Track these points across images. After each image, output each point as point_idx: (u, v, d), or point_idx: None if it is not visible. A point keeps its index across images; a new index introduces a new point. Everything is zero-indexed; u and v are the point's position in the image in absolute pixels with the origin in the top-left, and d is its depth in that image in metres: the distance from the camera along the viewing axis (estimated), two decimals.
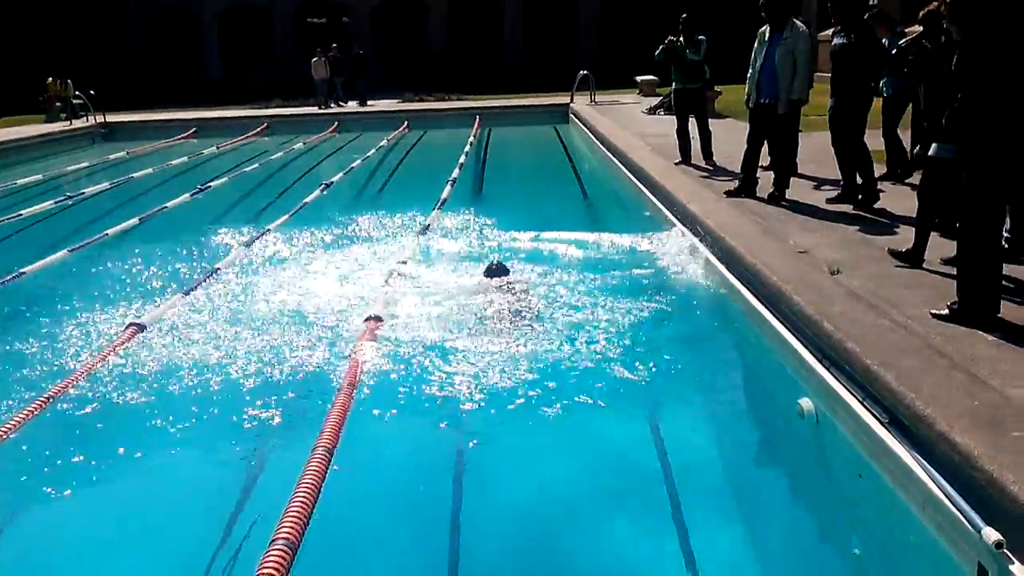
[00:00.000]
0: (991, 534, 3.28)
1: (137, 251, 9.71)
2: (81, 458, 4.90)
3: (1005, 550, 3.23)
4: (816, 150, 10.96)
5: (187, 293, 7.22)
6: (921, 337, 4.79)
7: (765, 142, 9.27)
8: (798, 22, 9.08)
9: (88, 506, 4.57)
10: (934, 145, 5.96)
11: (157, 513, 4.46)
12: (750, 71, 9.20)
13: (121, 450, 5.03)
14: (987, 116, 4.84)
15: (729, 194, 9.24)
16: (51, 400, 5.24)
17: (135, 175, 15.77)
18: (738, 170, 9.60)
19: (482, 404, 5.39)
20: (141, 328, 6.28)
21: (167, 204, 12.25)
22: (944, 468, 3.73)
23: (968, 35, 4.99)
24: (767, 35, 8.98)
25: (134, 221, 11.07)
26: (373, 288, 7.48)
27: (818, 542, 4.16)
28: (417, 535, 4.20)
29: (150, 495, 4.67)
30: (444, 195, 11.70)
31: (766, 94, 8.97)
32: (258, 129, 23.04)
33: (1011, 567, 3.20)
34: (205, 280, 7.75)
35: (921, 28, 6.97)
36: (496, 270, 7.63)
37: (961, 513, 3.51)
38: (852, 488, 4.41)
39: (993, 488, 3.36)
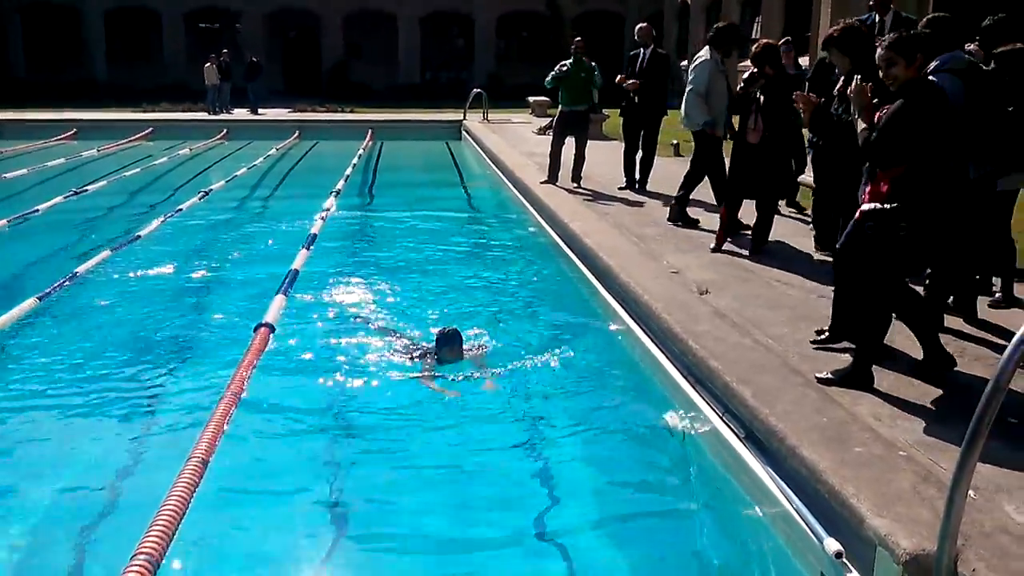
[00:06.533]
0: (832, 544, 3.42)
1: None
2: None
3: (844, 560, 3.38)
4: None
5: (42, 298, 6.90)
6: (779, 355, 4.97)
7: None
8: None
9: None
10: None
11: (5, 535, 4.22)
12: (703, 97, 8.87)
13: None
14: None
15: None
16: None
17: (7, 175, 14.98)
18: (611, 191, 9.65)
19: (367, 411, 5.41)
20: None
21: (38, 207, 11.69)
22: (793, 481, 3.88)
23: (860, 64, 5.20)
24: (720, 62, 8.90)
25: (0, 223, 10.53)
26: (256, 296, 7.32)
27: (677, 553, 4.22)
28: (288, 552, 4.08)
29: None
30: (328, 206, 11.56)
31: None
32: (143, 133, 22.29)
33: None
34: (63, 284, 7.43)
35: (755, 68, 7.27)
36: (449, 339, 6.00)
37: (806, 524, 3.66)
38: (712, 500, 4.53)
39: (835, 500, 3.51)
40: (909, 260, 4.61)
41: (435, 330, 6.16)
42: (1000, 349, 2.78)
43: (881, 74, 4.61)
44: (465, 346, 5.99)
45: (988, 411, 2.76)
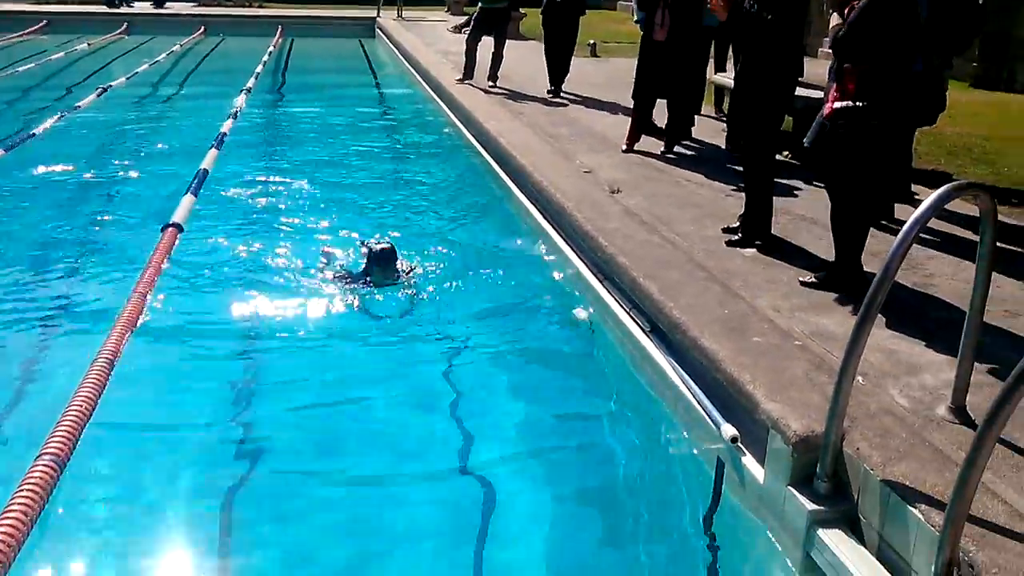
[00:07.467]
0: (728, 430, 3.58)
1: None
2: None
3: (739, 444, 3.54)
4: (613, 74, 11.26)
5: None
6: (685, 252, 5.08)
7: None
8: None
9: None
10: None
11: None
12: None
13: None
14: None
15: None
16: None
17: None
18: (526, 91, 9.53)
19: (276, 314, 5.32)
20: None
21: None
22: (694, 371, 4.01)
23: None
24: None
25: None
26: (163, 196, 7.12)
27: (581, 444, 4.33)
28: (199, 448, 4.05)
29: None
30: (238, 104, 11.20)
31: None
32: (37, 26, 21.06)
33: (743, 459, 3.51)
34: None
35: None
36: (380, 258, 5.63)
37: (705, 412, 3.80)
38: (616, 392, 4.66)
39: (732, 388, 3.64)
40: (878, 157, 4.60)
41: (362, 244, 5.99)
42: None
43: None
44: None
45: (876, 298, 2.88)
